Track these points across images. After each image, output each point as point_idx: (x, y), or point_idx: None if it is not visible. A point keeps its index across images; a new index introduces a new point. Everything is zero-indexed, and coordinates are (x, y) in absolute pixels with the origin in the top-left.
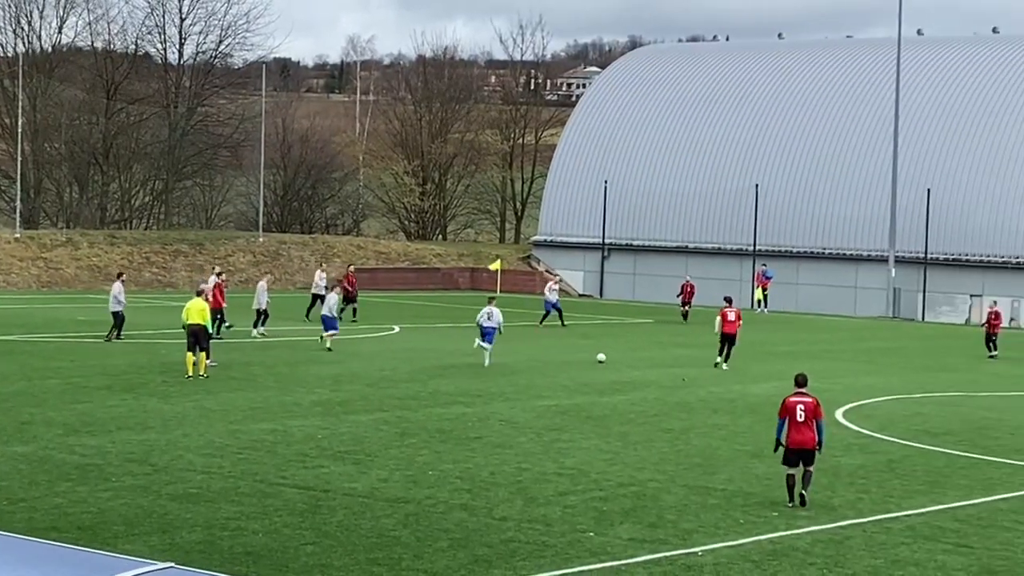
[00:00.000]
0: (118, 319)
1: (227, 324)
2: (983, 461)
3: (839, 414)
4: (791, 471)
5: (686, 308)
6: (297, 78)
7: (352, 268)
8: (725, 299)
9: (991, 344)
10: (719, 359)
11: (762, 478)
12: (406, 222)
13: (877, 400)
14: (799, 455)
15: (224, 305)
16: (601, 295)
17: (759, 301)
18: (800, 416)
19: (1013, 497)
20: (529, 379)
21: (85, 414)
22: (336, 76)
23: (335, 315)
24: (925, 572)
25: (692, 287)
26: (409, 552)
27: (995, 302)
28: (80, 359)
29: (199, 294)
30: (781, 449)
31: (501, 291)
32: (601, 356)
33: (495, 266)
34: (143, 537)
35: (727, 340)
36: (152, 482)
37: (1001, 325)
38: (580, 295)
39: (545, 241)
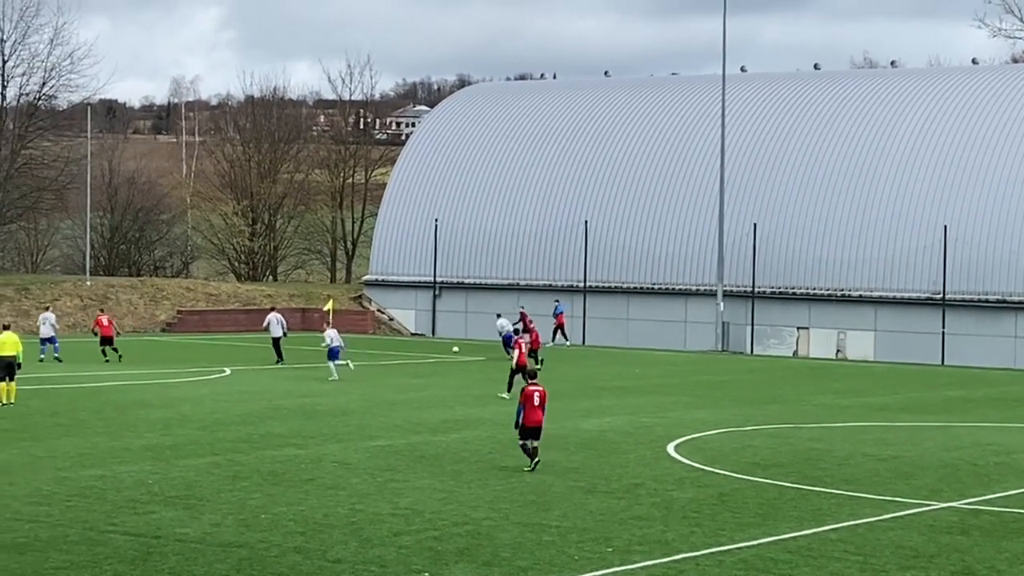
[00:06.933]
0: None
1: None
2: (812, 492)
3: (671, 448)
4: (525, 442)
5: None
6: (124, 119)
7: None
8: (514, 330)
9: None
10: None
11: (596, 514)
12: (236, 263)
13: (708, 433)
14: (532, 431)
15: None
16: (433, 333)
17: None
18: (536, 401)
19: (842, 527)
20: (361, 419)
21: None
22: (163, 117)
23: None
24: None
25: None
26: None
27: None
28: None
29: (6, 328)
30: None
31: None
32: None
33: (328, 306)
34: None
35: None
36: None
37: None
38: (412, 334)
39: (376, 280)
